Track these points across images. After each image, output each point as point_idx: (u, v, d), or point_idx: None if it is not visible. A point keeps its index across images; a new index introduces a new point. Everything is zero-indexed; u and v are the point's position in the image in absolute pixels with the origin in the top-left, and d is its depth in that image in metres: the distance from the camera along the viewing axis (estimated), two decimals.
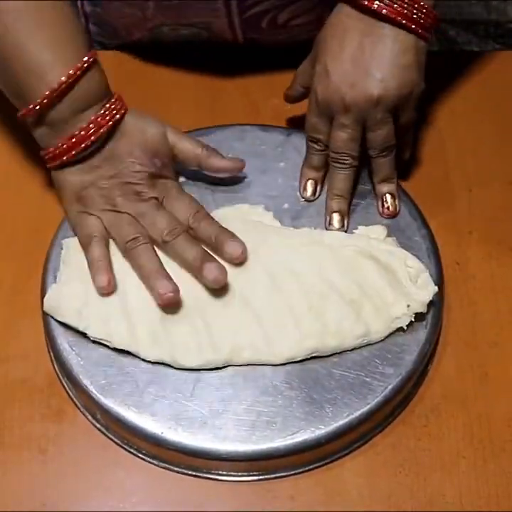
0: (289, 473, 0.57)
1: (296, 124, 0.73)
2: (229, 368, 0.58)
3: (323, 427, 0.56)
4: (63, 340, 0.59)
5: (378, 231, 0.64)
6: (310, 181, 0.67)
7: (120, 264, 0.61)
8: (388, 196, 0.66)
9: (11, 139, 0.75)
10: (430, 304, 0.60)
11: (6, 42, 0.59)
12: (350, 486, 0.57)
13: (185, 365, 0.57)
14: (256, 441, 0.55)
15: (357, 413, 0.56)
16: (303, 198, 0.67)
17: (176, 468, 0.57)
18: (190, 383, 0.57)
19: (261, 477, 0.57)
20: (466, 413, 0.60)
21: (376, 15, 0.62)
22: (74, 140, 0.60)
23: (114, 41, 0.82)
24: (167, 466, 0.57)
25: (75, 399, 0.60)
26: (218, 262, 0.58)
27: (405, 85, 0.62)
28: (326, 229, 0.65)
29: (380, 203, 0.66)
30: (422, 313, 0.60)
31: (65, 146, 0.61)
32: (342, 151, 0.64)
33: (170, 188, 0.63)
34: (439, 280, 0.62)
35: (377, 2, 0.61)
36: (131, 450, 0.58)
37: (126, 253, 0.60)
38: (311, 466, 0.57)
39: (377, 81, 0.61)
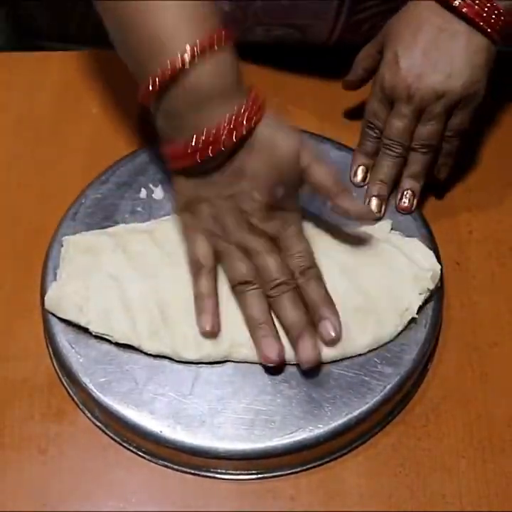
0: (287, 472, 0.57)
1: (295, 125, 0.72)
2: (228, 365, 0.58)
3: (321, 426, 0.56)
4: (62, 338, 0.59)
5: (383, 225, 0.65)
6: (361, 167, 0.67)
7: (119, 259, 0.61)
8: (409, 192, 0.66)
9: (11, 139, 0.75)
10: (430, 304, 0.60)
11: (135, 5, 0.53)
12: (350, 486, 0.57)
13: (186, 357, 0.57)
14: (255, 439, 0.55)
15: (356, 412, 0.56)
16: (352, 182, 0.67)
17: (175, 467, 0.57)
18: (189, 381, 0.57)
19: (260, 476, 0.57)
20: (466, 413, 0.60)
21: (455, 11, 0.62)
22: (193, 148, 0.53)
23: None
24: (166, 464, 0.57)
25: (74, 397, 0.60)
26: (314, 340, 0.56)
27: (471, 85, 0.63)
28: None
29: (399, 196, 0.67)
30: (422, 311, 0.60)
31: (184, 151, 0.54)
32: (395, 139, 0.65)
33: (288, 225, 0.57)
34: (439, 280, 0.62)
35: (458, 0, 0.61)
36: (131, 448, 0.58)
37: (236, 294, 0.58)
38: (310, 466, 0.57)
39: (444, 76, 0.62)
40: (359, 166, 0.68)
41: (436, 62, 0.62)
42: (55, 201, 0.67)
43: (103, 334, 0.58)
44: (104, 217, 0.65)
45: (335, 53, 0.75)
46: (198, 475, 0.57)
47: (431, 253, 0.62)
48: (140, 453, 0.58)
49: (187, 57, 0.51)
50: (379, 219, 0.65)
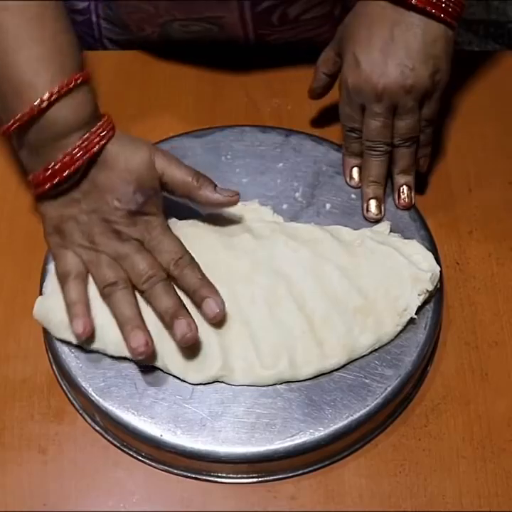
0: (288, 475, 0.57)
1: (295, 125, 0.73)
2: None
3: (322, 428, 0.56)
4: (62, 342, 0.59)
5: (382, 227, 0.65)
6: (355, 169, 0.67)
7: None
8: (405, 187, 0.67)
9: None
10: (429, 306, 0.61)
11: None
12: (350, 486, 0.57)
13: (176, 374, 0.57)
14: (255, 443, 0.55)
15: (356, 415, 0.56)
16: (350, 186, 0.67)
17: (175, 471, 0.57)
18: (189, 386, 0.57)
19: (260, 479, 0.57)
20: (466, 413, 0.60)
21: (405, 4, 0.62)
22: (52, 170, 0.57)
23: (123, 37, 0.82)
24: (166, 468, 0.57)
25: (73, 401, 0.60)
26: (189, 319, 0.56)
27: (435, 74, 0.63)
28: (364, 216, 0.66)
29: (396, 194, 0.67)
30: (421, 312, 0.60)
31: (42, 176, 0.58)
32: (376, 139, 0.65)
33: (153, 228, 0.59)
34: (438, 281, 0.62)
35: None
36: (131, 452, 0.58)
37: (104, 297, 0.58)
38: (310, 468, 0.57)
39: (409, 70, 0.62)
40: (352, 168, 0.68)
41: (398, 58, 0.62)
42: None
43: (97, 349, 0.58)
44: None
45: (261, 51, 0.77)
46: (199, 479, 0.57)
47: (430, 254, 0.62)
48: (140, 457, 0.58)
49: (45, 100, 0.56)
50: (380, 219, 0.66)
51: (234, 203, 0.61)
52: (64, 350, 0.59)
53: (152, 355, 0.56)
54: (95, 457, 0.58)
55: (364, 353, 0.58)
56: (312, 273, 0.60)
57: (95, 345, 0.58)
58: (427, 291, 0.60)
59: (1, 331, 0.63)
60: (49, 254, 0.63)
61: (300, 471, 0.57)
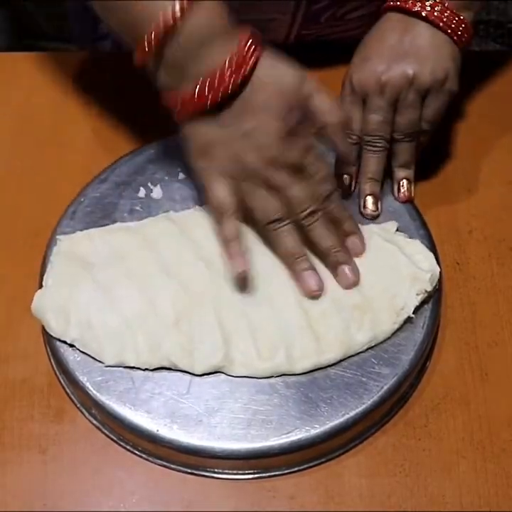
0: (284, 471, 0.57)
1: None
2: None
3: (318, 426, 0.56)
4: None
5: (388, 225, 0.65)
6: (345, 176, 0.67)
7: (110, 267, 0.61)
8: (405, 181, 0.67)
9: (11, 139, 0.75)
10: (427, 305, 0.61)
11: None
12: (350, 486, 0.57)
13: (182, 367, 0.57)
14: (251, 439, 0.55)
15: (352, 413, 0.56)
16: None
17: (172, 466, 0.57)
18: (186, 381, 0.57)
19: (256, 475, 0.57)
20: (466, 413, 0.60)
21: (416, 16, 0.64)
22: (204, 86, 0.53)
23: None
24: (163, 463, 0.57)
25: (71, 396, 0.60)
26: (352, 264, 0.60)
27: (440, 70, 0.64)
28: (361, 213, 0.66)
29: (396, 187, 0.67)
30: (419, 312, 0.60)
31: (190, 94, 0.54)
32: (375, 134, 0.65)
33: (307, 152, 0.57)
34: (438, 281, 0.62)
35: (418, 6, 0.64)
36: (127, 447, 0.58)
37: (268, 233, 0.59)
38: (307, 466, 0.57)
39: (413, 62, 0.63)
40: (342, 175, 0.67)
41: (403, 55, 0.64)
42: (55, 200, 0.67)
43: (91, 353, 0.58)
44: (102, 216, 0.65)
45: (298, 50, 0.76)
46: (196, 474, 0.57)
47: (431, 255, 0.62)
48: (137, 452, 0.58)
49: (178, 8, 0.52)
50: (377, 217, 0.66)
51: (350, 163, 0.64)
52: (62, 345, 0.59)
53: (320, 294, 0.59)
54: (95, 457, 0.58)
55: (360, 350, 0.58)
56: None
57: (89, 352, 0.58)
58: (426, 291, 0.60)
59: (1, 331, 0.63)
60: (48, 252, 0.63)
61: (296, 468, 0.57)
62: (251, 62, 0.54)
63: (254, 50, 0.55)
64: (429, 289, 0.60)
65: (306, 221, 0.58)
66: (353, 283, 0.60)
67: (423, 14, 0.64)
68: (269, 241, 0.60)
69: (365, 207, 0.66)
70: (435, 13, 0.63)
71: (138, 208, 0.66)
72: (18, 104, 0.77)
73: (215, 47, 0.54)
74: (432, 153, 0.70)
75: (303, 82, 0.56)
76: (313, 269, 0.59)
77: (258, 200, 0.57)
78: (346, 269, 0.60)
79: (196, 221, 0.64)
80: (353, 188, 0.67)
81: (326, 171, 0.59)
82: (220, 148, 0.57)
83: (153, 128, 0.72)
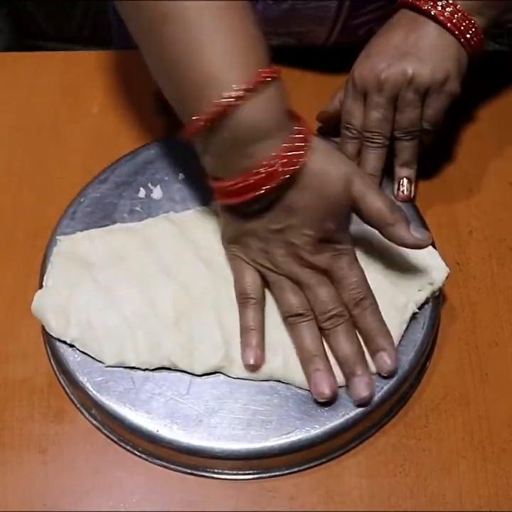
0: (284, 472, 0.57)
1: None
2: None
3: (318, 426, 0.56)
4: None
5: None
6: None
7: (111, 267, 0.61)
8: (405, 180, 0.67)
9: (11, 139, 0.75)
10: (428, 305, 0.61)
11: (179, 43, 0.51)
12: (350, 486, 0.57)
13: (182, 368, 0.57)
14: (251, 440, 0.55)
15: (352, 413, 0.56)
16: None
17: (171, 466, 0.57)
18: (186, 381, 0.57)
19: (256, 476, 0.57)
20: (466, 413, 0.60)
21: (426, 15, 0.64)
22: (242, 186, 0.52)
23: None
24: (163, 463, 0.57)
25: (71, 396, 0.60)
26: (367, 376, 0.56)
27: (441, 71, 0.63)
28: None
29: (396, 186, 0.67)
30: (420, 311, 0.60)
31: (233, 188, 0.53)
32: (375, 130, 0.65)
33: (340, 257, 0.56)
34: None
35: (429, 4, 0.63)
36: (127, 447, 0.58)
37: (289, 326, 0.57)
38: (307, 466, 0.57)
39: (413, 61, 0.63)
40: None
41: (406, 52, 0.64)
42: (55, 201, 0.67)
43: (91, 353, 0.58)
44: (102, 217, 0.65)
45: (335, 54, 0.76)
46: (196, 475, 0.57)
47: (436, 252, 0.62)
48: (137, 452, 0.58)
49: (234, 97, 0.50)
50: None
51: (427, 245, 0.57)
52: (62, 345, 0.59)
53: (334, 398, 0.56)
54: (95, 457, 0.58)
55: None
56: None
57: (89, 353, 0.58)
58: (430, 285, 0.60)
59: (1, 331, 0.63)
60: (48, 252, 0.63)
61: (296, 469, 0.57)
62: (296, 161, 0.52)
63: (304, 146, 0.52)
64: (432, 282, 0.60)
65: (327, 324, 0.56)
66: (365, 399, 0.55)
67: (433, 13, 0.63)
68: (291, 337, 0.57)
69: None
70: (445, 14, 0.63)
71: (138, 208, 0.66)
72: (18, 104, 0.77)
73: (263, 142, 0.51)
74: (432, 153, 0.70)
75: (350, 185, 0.54)
76: (328, 370, 0.56)
77: (283, 292, 0.57)
78: (361, 381, 0.55)
79: (196, 222, 0.64)
80: None
81: (359, 277, 0.57)
82: (254, 239, 0.56)
83: (154, 128, 0.72)
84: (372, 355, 0.57)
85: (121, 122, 0.75)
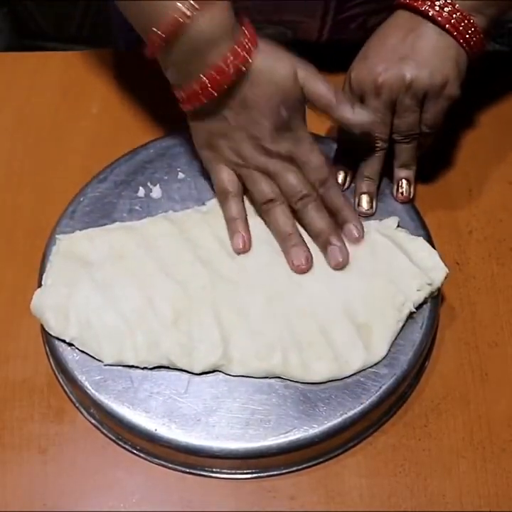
0: (282, 471, 0.57)
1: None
2: None
3: (316, 425, 0.56)
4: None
5: (389, 222, 0.65)
6: (341, 172, 0.67)
7: (110, 266, 0.61)
8: (404, 182, 0.67)
9: (11, 138, 0.75)
10: (426, 305, 0.60)
11: None
12: (350, 486, 0.57)
13: (180, 366, 0.57)
14: (249, 439, 0.55)
15: (351, 413, 0.56)
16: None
17: (170, 465, 0.57)
18: (184, 380, 0.57)
19: (255, 475, 0.57)
20: (466, 413, 0.60)
21: (424, 16, 0.63)
22: (201, 85, 0.57)
23: None
24: (162, 462, 0.57)
25: (70, 395, 0.60)
26: (342, 243, 0.61)
27: (439, 75, 0.63)
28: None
29: (395, 187, 0.67)
30: (418, 311, 0.60)
31: (193, 91, 0.58)
32: (372, 134, 0.65)
33: (301, 141, 0.61)
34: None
35: (427, 5, 0.63)
36: (126, 446, 0.58)
37: (264, 213, 0.62)
38: (305, 465, 0.58)
39: (411, 65, 0.62)
40: (339, 170, 0.67)
41: (404, 56, 0.63)
42: (55, 200, 0.67)
43: (90, 352, 0.58)
44: (102, 216, 0.65)
45: (330, 51, 0.76)
46: (195, 474, 0.57)
47: (435, 252, 0.62)
48: (135, 451, 0.58)
49: (187, 11, 0.55)
50: (371, 215, 0.66)
51: (369, 127, 0.62)
52: (61, 344, 0.59)
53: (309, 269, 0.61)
54: (95, 457, 0.58)
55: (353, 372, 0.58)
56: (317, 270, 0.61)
57: (87, 351, 0.58)
58: (429, 286, 0.60)
59: (1, 331, 0.63)
60: (48, 251, 0.63)
61: (294, 468, 0.57)
62: (246, 57, 0.57)
63: (250, 47, 0.58)
64: (431, 282, 0.60)
65: (298, 205, 0.61)
66: (341, 263, 0.60)
67: (430, 14, 0.62)
68: (267, 225, 0.62)
69: (359, 205, 0.66)
70: (444, 14, 0.62)
71: (137, 207, 0.66)
72: (18, 104, 0.77)
73: (217, 47, 0.57)
74: (432, 153, 0.70)
75: (295, 73, 0.59)
76: (303, 245, 0.61)
77: (255, 183, 0.61)
78: (336, 248, 0.60)
79: (195, 221, 0.64)
80: (346, 185, 0.67)
81: (320, 159, 0.61)
82: (221, 139, 0.61)
83: (153, 127, 0.72)
84: (341, 227, 0.62)
85: (121, 122, 0.75)
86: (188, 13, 0.55)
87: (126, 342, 0.58)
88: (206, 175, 0.67)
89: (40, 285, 0.61)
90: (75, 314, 0.58)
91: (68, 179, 0.70)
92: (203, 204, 0.66)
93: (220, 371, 0.58)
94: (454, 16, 0.62)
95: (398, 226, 0.64)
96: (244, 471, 0.57)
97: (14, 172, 0.72)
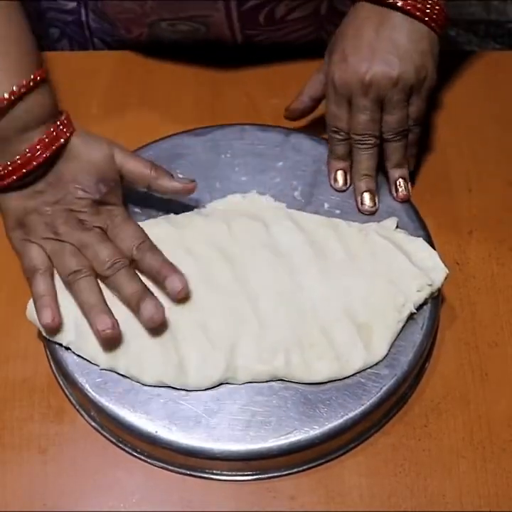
0: (283, 473, 0.57)
1: (295, 124, 0.73)
2: None
3: (317, 427, 0.56)
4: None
5: (388, 222, 0.65)
6: (339, 171, 0.67)
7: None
8: (401, 181, 0.67)
9: None
10: (427, 306, 0.61)
11: None
12: (350, 486, 0.57)
13: (178, 387, 0.57)
14: (250, 440, 0.55)
15: (351, 414, 0.56)
16: (335, 189, 0.67)
17: (170, 467, 0.57)
18: None
19: (255, 477, 0.57)
20: (466, 413, 0.60)
21: (391, 7, 0.64)
22: (17, 163, 0.59)
23: (114, 38, 0.82)
24: (162, 464, 0.57)
25: (70, 397, 0.60)
26: (156, 301, 0.57)
27: (422, 68, 0.64)
28: (358, 209, 0.66)
29: (393, 188, 0.67)
30: (419, 312, 0.60)
31: (7, 169, 0.59)
32: (364, 132, 0.65)
33: (115, 216, 0.61)
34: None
35: (401, 0, 0.63)
36: (126, 449, 0.58)
37: (68, 286, 0.59)
38: (306, 467, 0.57)
39: (394, 63, 0.63)
40: (337, 171, 0.67)
41: (384, 52, 0.63)
42: None
43: (86, 356, 0.58)
44: None
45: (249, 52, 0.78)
46: (195, 476, 0.57)
47: (435, 253, 0.62)
48: (136, 453, 0.58)
49: (8, 98, 0.58)
50: (374, 212, 0.66)
51: (191, 191, 0.63)
52: (61, 346, 0.59)
53: (118, 338, 0.57)
54: (95, 457, 0.58)
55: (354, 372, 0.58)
56: (315, 268, 0.61)
57: (83, 355, 0.58)
58: (430, 287, 0.60)
59: (1, 331, 0.63)
60: None
61: (295, 470, 0.57)
62: (62, 138, 0.60)
63: (66, 128, 0.61)
64: (431, 283, 0.60)
65: (108, 272, 0.58)
66: (157, 318, 0.56)
67: (399, 4, 0.63)
68: (71, 294, 0.59)
69: (362, 203, 0.66)
70: (409, 1, 0.63)
71: (137, 209, 0.66)
72: None
73: (34, 128, 0.59)
74: (432, 153, 0.70)
75: (112, 155, 0.62)
76: (108, 312, 0.57)
77: (61, 256, 0.59)
78: (149, 303, 0.57)
79: (196, 224, 0.63)
80: (348, 183, 0.67)
81: (135, 227, 0.61)
82: (35, 215, 0.60)
83: (153, 129, 0.72)
84: (164, 287, 0.58)
85: (121, 122, 0.75)
86: (11, 99, 0.58)
87: (119, 351, 0.57)
88: (205, 176, 0.67)
89: None
90: (72, 318, 0.58)
91: None
92: (204, 207, 0.66)
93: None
94: (419, 0, 0.63)
95: (397, 227, 0.64)
96: (245, 473, 0.57)
97: None
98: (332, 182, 0.67)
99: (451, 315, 0.64)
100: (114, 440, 0.58)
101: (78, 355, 0.58)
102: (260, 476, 0.57)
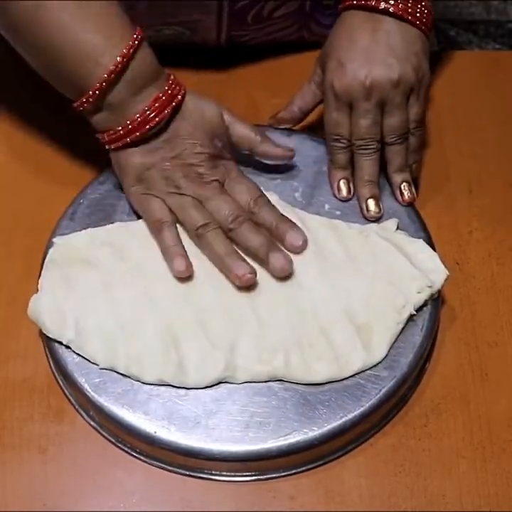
0: (282, 474, 0.57)
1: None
2: None
3: (316, 428, 0.56)
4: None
5: (388, 224, 0.65)
6: (342, 181, 0.67)
7: (109, 269, 0.61)
8: (405, 184, 0.67)
9: (10, 138, 0.75)
10: (427, 307, 0.60)
11: (53, 32, 0.59)
12: (350, 486, 0.57)
13: (179, 385, 0.57)
14: (249, 441, 0.55)
15: (350, 415, 0.56)
16: (339, 199, 0.67)
17: (170, 468, 0.57)
18: None
19: (254, 478, 0.57)
20: (466, 413, 0.60)
21: (383, 13, 0.65)
22: (139, 120, 0.60)
23: None
24: (161, 465, 0.57)
25: (70, 397, 0.60)
26: (283, 251, 0.60)
27: (419, 68, 0.65)
28: (364, 216, 0.66)
29: (398, 192, 0.67)
30: (419, 313, 0.60)
31: (129, 126, 0.61)
32: (367, 137, 0.65)
33: (230, 170, 0.64)
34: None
35: (383, 2, 0.65)
36: (126, 449, 0.58)
37: (198, 239, 0.61)
38: (304, 468, 0.57)
39: (394, 64, 0.64)
40: (340, 180, 0.67)
41: (380, 56, 0.64)
42: (54, 202, 0.67)
43: (85, 355, 0.58)
44: (102, 218, 0.65)
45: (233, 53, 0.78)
46: (194, 476, 0.57)
47: (435, 254, 0.62)
48: (135, 454, 0.58)
49: (118, 64, 0.59)
50: (380, 217, 0.66)
51: (290, 157, 0.67)
52: (61, 346, 0.59)
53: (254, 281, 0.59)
54: (95, 457, 0.58)
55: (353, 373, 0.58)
56: (315, 267, 0.61)
57: (83, 355, 0.58)
58: (430, 288, 0.60)
59: (1, 331, 0.63)
60: (47, 252, 0.63)
61: (294, 471, 0.57)
62: (177, 97, 0.62)
63: (179, 87, 0.62)
64: (431, 285, 0.60)
65: (232, 226, 0.60)
66: (286, 268, 0.59)
67: (391, 10, 0.64)
68: (202, 250, 0.61)
69: (368, 210, 0.66)
70: (400, 6, 0.64)
71: None
72: (19, 104, 0.77)
73: (147, 88, 0.61)
74: (432, 153, 0.70)
75: (222, 114, 0.64)
76: (243, 259, 0.60)
77: (186, 211, 0.61)
78: (276, 255, 0.59)
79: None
80: (352, 192, 0.67)
81: (248, 184, 0.64)
82: (154, 170, 0.62)
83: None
84: (281, 242, 0.61)
85: None
86: (120, 65, 0.59)
87: (119, 350, 0.57)
88: None
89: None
90: (73, 317, 0.58)
91: (68, 180, 0.70)
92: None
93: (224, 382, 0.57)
94: (408, 4, 0.65)
95: (398, 228, 0.64)
96: (244, 474, 0.57)
97: (14, 173, 0.72)
98: (336, 192, 0.67)
99: (451, 315, 0.64)
100: (113, 440, 0.58)
101: (78, 355, 0.58)
102: (259, 477, 0.57)
